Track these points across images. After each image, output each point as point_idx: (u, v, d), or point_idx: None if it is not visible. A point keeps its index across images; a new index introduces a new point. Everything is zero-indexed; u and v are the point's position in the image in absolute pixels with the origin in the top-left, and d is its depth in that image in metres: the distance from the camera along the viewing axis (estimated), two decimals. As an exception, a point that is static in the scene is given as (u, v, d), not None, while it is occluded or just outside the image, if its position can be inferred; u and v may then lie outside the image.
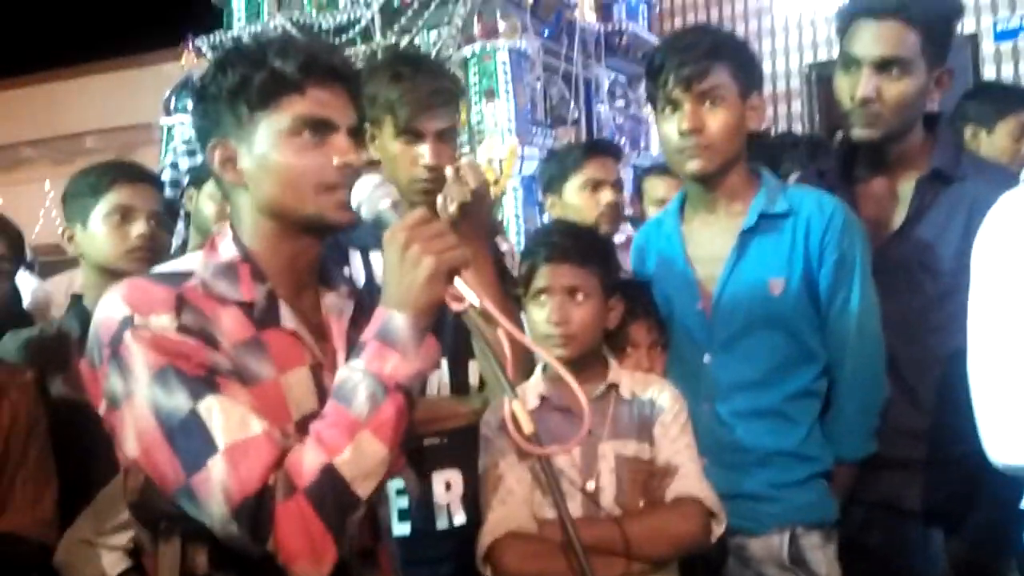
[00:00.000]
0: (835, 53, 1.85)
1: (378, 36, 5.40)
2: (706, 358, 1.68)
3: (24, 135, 10.04)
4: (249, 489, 0.96)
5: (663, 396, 1.56)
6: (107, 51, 9.34)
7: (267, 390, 1.08)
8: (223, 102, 1.13)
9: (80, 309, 1.85)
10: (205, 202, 2.57)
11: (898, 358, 1.70)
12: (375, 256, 1.64)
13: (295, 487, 0.98)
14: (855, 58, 1.72)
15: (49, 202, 8.07)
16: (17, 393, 1.64)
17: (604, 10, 6.39)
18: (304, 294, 1.19)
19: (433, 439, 1.61)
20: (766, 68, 6.65)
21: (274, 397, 1.08)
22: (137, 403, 1.01)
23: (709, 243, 1.72)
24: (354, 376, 1.03)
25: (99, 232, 1.85)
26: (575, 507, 1.46)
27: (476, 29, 5.04)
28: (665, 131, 1.69)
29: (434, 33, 5.31)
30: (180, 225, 2.87)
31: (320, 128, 1.13)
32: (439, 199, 1.54)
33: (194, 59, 6.18)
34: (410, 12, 5.33)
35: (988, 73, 6.36)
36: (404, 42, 5.33)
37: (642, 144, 6.25)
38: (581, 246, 1.59)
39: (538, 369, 1.60)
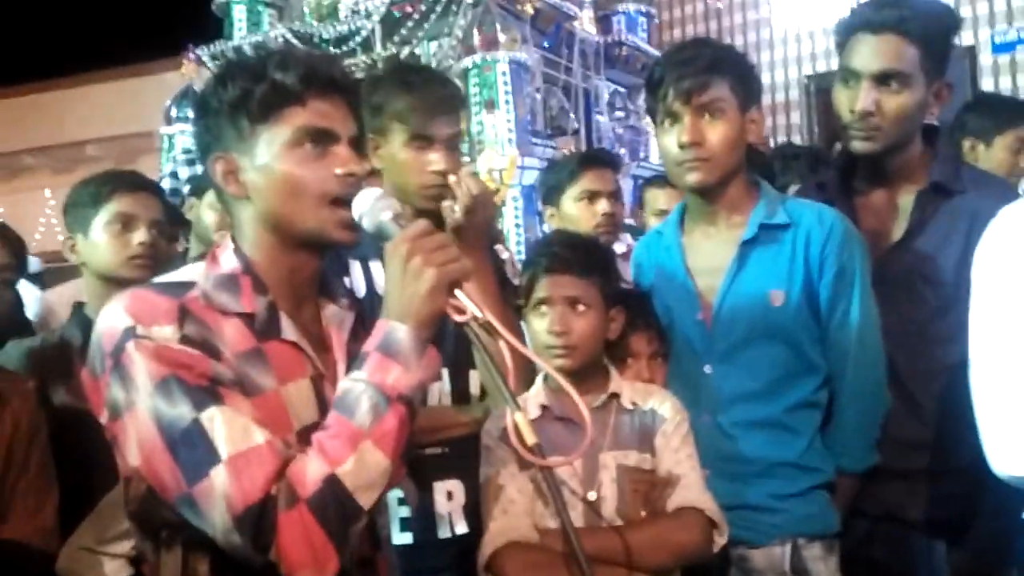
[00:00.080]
0: (834, 65, 1.86)
1: (378, 47, 5.42)
2: (706, 369, 1.69)
3: (25, 143, 10.06)
4: (251, 499, 0.97)
5: (664, 406, 1.56)
6: (108, 60, 9.37)
7: (268, 401, 1.08)
8: (224, 115, 1.14)
9: (82, 317, 1.86)
10: (206, 211, 2.58)
11: (899, 369, 1.70)
12: (375, 266, 1.64)
13: (298, 497, 0.98)
14: (854, 71, 1.73)
15: (50, 210, 8.08)
16: (19, 401, 1.65)
17: (603, 22, 6.43)
18: (304, 306, 1.20)
19: (435, 449, 1.61)
20: (765, 80, 6.67)
21: (275, 408, 1.08)
22: (139, 413, 1.01)
23: (709, 254, 1.72)
24: (356, 387, 1.03)
25: (100, 240, 1.86)
26: (576, 517, 1.46)
27: (476, 40, 5.07)
28: (665, 144, 1.70)
29: (434, 44, 5.34)
30: None
31: (322, 139, 1.14)
32: (444, 205, 1.56)
33: (195, 69, 6.20)
34: (410, 23, 5.36)
35: (986, 85, 6.38)
36: (404, 53, 5.35)
37: (642, 155, 6.27)
38: (582, 257, 1.59)
39: (539, 379, 1.60)
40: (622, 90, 6.46)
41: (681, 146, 1.64)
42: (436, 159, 1.63)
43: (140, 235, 1.86)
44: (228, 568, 1.04)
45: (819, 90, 7.03)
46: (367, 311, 1.31)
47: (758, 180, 1.77)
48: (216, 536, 0.99)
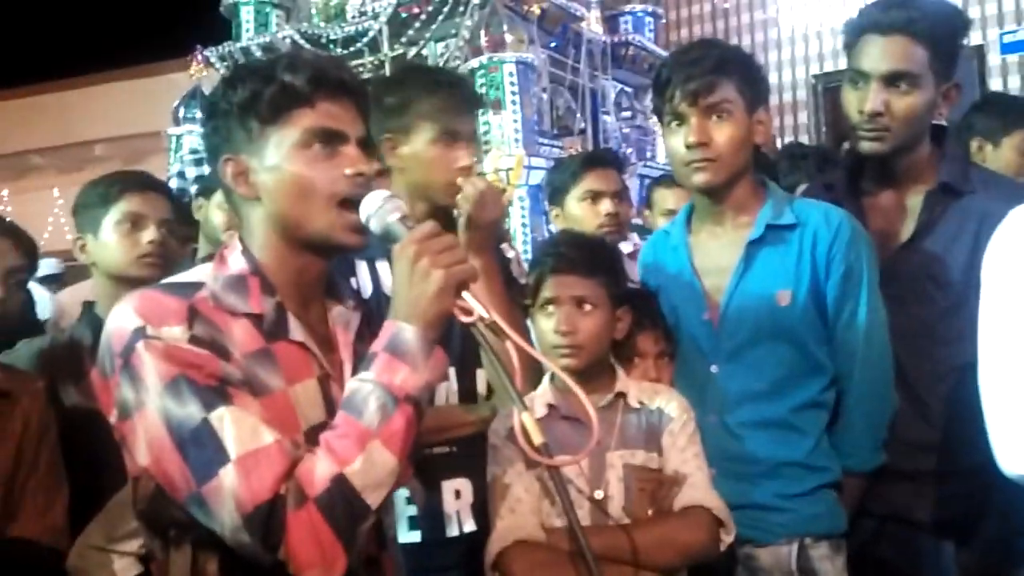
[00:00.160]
0: (841, 65, 1.86)
1: (385, 48, 5.43)
2: (713, 368, 1.69)
3: (33, 143, 10.12)
4: (260, 498, 0.97)
5: (671, 405, 1.56)
6: (116, 61, 9.42)
7: (276, 401, 1.09)
8: (234, 117, 1.15)
9: (92, 317, 1.87)
10: (214, 212, 2.59)
11: (907, 370, 1.70)
12: (382, 266, 1.65)
13: (306, 496, 0.98)
14: (863, 72, 1.73)
15: (58, 209, 8.12)
16: (28, 400, 1.66)
17: (610, 22, 6.43)
18: (311, 306, 1.20)
19: (443, 448, 1.62)
20: (772, 79, 6.66)
21: (283, 408, 1.09)
22: (149, 413, 1.02)
23: (716, 254, 1.72)
24: (364, 387, 1.04)
25: (110, 240, 1.87)
26: (583, 516, 1.46)
27: (483, 41, 5.07)
28: (672, 144, 1.70)
29: (441, 45, 5.35)
30: None
31: (331, 139, 1.14)
32: (460, 197, 1.59)
33: (203, 69, 6.22)
34: (417, 24, 5.37)
35: (994, 85, 6.37)
36: (411, 54, 5.37)
37: (648, 154, 6.27)
38: (588, 256, 1.59)
39: (546, 378, 1.61)
40: (629, 90, 6.46)
41: (688, 147, 1.64)
42: (463, 156, 1.67)
43: (149, 234, 1.87)
44: (237, 567, 1.04)
45: (826, 90, 7.02)
46: (374, 311, 1.32)
47: (765, 180, 1.77)
48: (225, 535, 0.99)
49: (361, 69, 5.32)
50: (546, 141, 5.21)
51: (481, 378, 1.72)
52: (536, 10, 5.28)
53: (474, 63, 5.07)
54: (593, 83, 5.89)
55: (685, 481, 1.50)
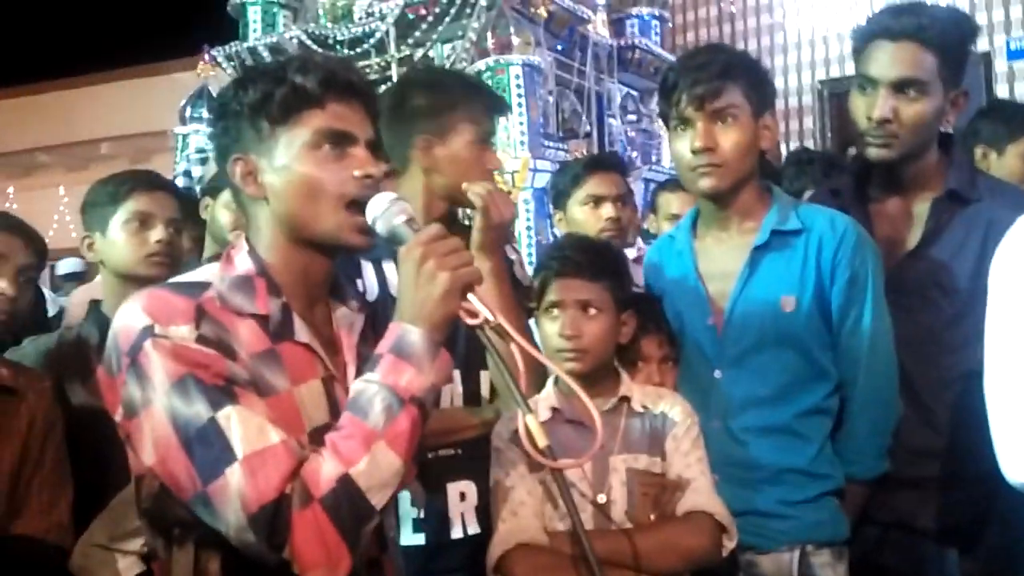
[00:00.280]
0: (847, 70, 1.88)
1: (392, 49, 5.44)
2: (717, 374, 1.69)
3: (40, 141, 10.14)
4: (266, 498, 0.98)
5: (675, 410, 1.56)
6: (123, 60, 9.45)
7: (282, 401, 1.09)
8: (244, 118, 1.16)
9: (99, 316, 1.87)
10: (221, 211, 2.59)
11: (912, 378, 1.70)
12: (388, 267, 1.65)
13: (311, 496, 0.99)
14: (872, 79, 1.73)
15: (64, 207, 8.15)
16: (35, 397, 1.66)
17: (617, 25, 6.44)
18: (316, 307, 1.21)
19: (447, 450, 1.62)
20: (778, 84, 6.67)
21: (288, 409, 1.09)
22: (155, 411, 1.02)
23: (721, 259, 1.72)
24: (370, 388, 1.04)
25: (118, 239, 1.88)
26: (586, 519, 1.46)
27: (490, 43, 5.08)
28: (678, 149, 1.70)
29: (448, 47, 5.36)
30: None
31: (340, 141, 1.15)
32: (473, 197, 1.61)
33: (210, 69, 6.24)
34: (424, 25, 5.38)
35: (1001, 91, 6.37)
36: (418, 55, 5.37)
37: (654, 158, 6.27)
38: (593, 260, 1.60)
39: (550, 382, 1.61)
40: (634, 93, 6.47)
41: (694, 151, 1.65)
42: (494, 158, 1.74)
43: (157, 233, 1.87)
44: (240, 566, 1.04)
45: (832, 95, 7.02)
46: (380, 312, 1.32)
47: (770, 186, 1.77)
48: (230, 535, 1.00)
49: (368, 70, 5.32)
50: (551, 144, 5.22)
51: (485, 380, 1.71)
52: (543, 13, 5.29)
53: (480, 65, 5.08)
54: (599, 86, 5.90)
55: (688, 486, 1.50)
